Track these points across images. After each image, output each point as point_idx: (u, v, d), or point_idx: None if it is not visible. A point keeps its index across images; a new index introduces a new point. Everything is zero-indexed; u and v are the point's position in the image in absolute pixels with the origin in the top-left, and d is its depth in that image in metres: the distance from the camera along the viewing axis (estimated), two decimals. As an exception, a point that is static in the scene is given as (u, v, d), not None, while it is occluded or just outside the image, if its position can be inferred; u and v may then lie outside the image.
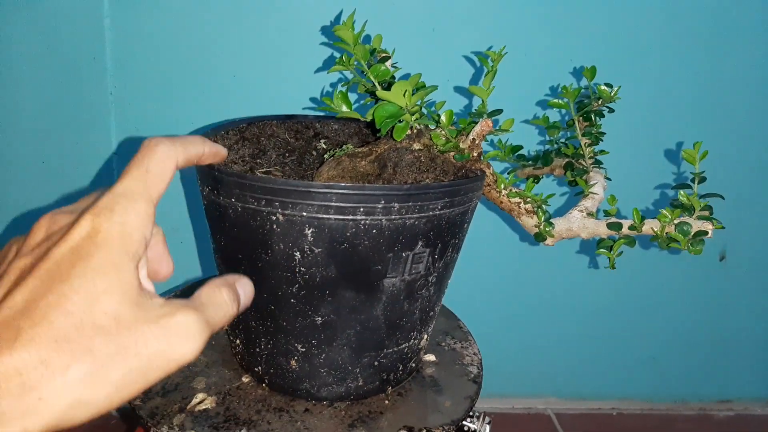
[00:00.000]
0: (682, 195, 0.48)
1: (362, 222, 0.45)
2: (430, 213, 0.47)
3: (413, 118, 0.51)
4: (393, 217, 0.46)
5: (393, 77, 0.59)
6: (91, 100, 0.83)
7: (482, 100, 0.56)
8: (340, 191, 0.44)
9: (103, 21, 0.78)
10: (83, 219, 0.31)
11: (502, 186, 0.56)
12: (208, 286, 0.35)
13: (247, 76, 0.85)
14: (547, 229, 0.56)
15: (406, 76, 0.64)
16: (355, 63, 0.56)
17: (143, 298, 0.30)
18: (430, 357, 0.62)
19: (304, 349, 0.51)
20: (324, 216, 0.45)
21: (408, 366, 0.56)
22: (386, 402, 0.54)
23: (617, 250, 0.50)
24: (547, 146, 0.69)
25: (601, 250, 0.52)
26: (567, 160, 0.63)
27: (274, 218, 0.46)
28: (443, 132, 0.54)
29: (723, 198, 0.51)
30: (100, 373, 0.28)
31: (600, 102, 0.62)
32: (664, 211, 0.48)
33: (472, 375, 0.60)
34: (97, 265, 0.29)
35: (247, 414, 0.51)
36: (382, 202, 0.45)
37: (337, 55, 0.86)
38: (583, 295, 1.03)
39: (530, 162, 0.69)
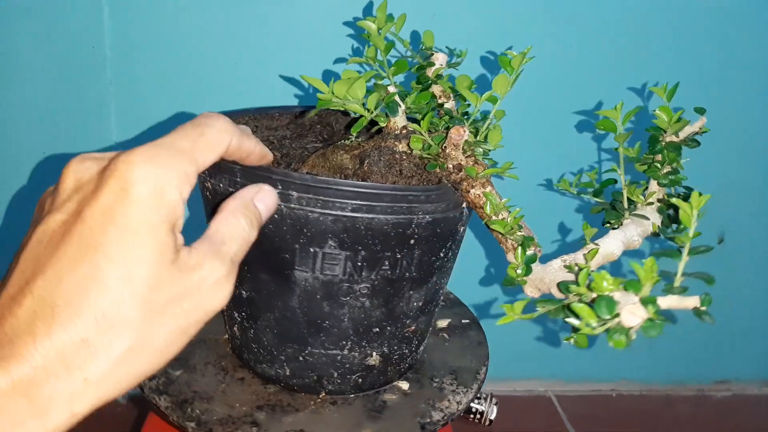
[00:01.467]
0: (647, 262, 0.33)
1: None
2: (338, 212, 0.44)
3: (370, 114, 0.47)
4: (293, 206, 0.44)
5: (436, 76, 0.55)
6: (91, 89, 0.81)
7: (475, 106, 0.47)
8: (244, 170, 0.45)
9: (102, 9, 0.77)
10: (116, 168, 0.29)
11: (489, 210, 0.47)
12: (224, 213, 0.34)
13: (250, 64, 0.82)
14: (522, 272, 0.44)
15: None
16: (378, 56, 0.54)
17: (176, 256, 0.29)
18: (403, 385, 0.56)
19: (239, 319, 0.53)
20: (234, 190, 0.46)
21: (350, 378, 0.52)
22: (312, 404, 0.52)
23: (519, 310, 0.37)
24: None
25: (543, 304, 0.39)
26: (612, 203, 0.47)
27: (207, 191, 0.49)
28: (422, 135, 0.48)
29: (712, 281, 0.32)
30: (143, 343, 0.27)
31: (683, 134, 0.45)
32: (599, 276, 0.33)
33: (427, 420, 0.51)
34: (131, 226, 0.28)
35: (193, 365, 0.56)
36: (279, 186, 0.44)
37: (346, 47, 0.81)
38: None
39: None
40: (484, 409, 0.65)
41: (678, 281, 0.33)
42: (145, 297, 0.28)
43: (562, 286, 0.38)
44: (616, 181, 0.53)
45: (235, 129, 0.36)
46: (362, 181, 0.48)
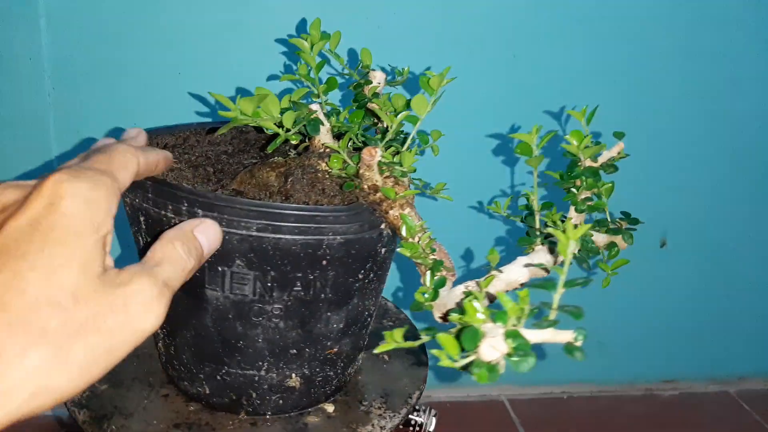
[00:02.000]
0: (503, 298, 0.32)
1: (172, 220, 0.45)
2: (244, 232, 0.43)
3: (284, 132, 0.46)
4: (199, 223, 0.44)
5: (372, 94, 0.54)
6: (29, 101, 0.80)
7: (389, 127, 0.46)
8: (155, 185, 0.45)
9: (39, 21, 0.76)
10: (45, 185, 0.29)
11: (404, 233, 0.46)
12: (161, 240, 0.33)
13: (189, 78, 0.81)
14: (430, 297, 0.43)
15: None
16: (310, 74, 0.54)
17: (103, 271, 0.29)
18: (329, 407, 0.54)
19: (162, 335, 0.53)
20: (147, 206, 0.46)
21: (269, 399, 0.51)
22: (230, 424, 0.51)
23: (399, 337, 0.36)
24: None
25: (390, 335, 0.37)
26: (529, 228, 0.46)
27: (126, 207, 0.49)
28: (340, 154, 0.47)
29: (580, 316, 0.31)
30: (60, 355, 0.26)
31: (601, 159, 0.43)
32: (467, 303, 0.32)
33: (346, 446, 0.50)
34: (58, 236, 0.27)
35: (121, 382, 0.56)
36: (185, 204, 0.43)
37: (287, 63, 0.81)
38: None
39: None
40: (422, 421, 0.64)
41: (553, 314, 0.32)
42: (66, 307, 0.27)
43: (452, 314, 0.37)
44: (553, 204, 0.52)
45: (136, 149, 0.37)
46: (285, 199, 0.48)
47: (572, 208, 0.44)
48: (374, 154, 0.44)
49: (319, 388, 0.53)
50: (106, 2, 0.79)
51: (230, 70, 0.83)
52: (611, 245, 0.49)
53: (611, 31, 0.92)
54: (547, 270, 0.42)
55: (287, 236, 0.44)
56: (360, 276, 0.49)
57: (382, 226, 0.47)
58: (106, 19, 0.80)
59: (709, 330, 1.16)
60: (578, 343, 0.31)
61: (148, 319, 0.30)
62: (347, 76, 0.57)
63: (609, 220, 0.50)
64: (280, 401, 0.52)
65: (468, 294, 0.40)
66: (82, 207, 0.29)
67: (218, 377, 0.50)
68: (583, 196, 0.44)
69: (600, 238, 0.49)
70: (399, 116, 0.46)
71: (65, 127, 0.83)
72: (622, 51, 0.94)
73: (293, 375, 0.51)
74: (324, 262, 0.46)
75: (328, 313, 0.49)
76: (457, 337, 0.31)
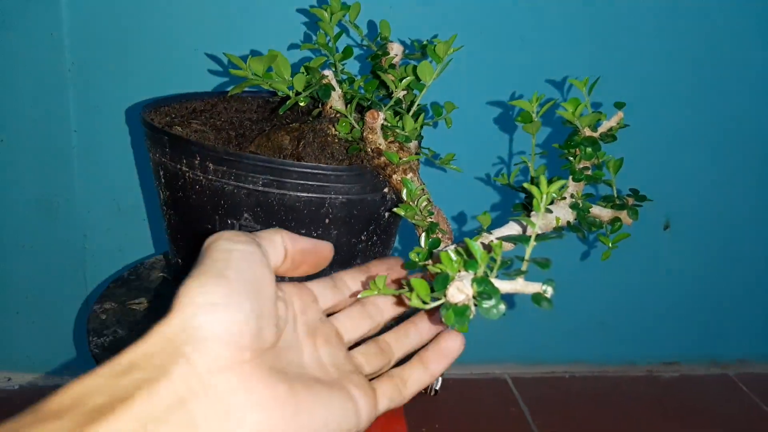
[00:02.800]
0: (472, 245, 0.33)
1: (186, 174, 0.48)
2: (251, 186, 0.46)
3: (296, 97, 0.49)
4: (210, 177, 0.46)
5: (389, 65, 0.56)
6: (49, 76, 0.81)
7: (393, 92, 0.48)
8: (171, 140, 0.48)
9: None
10: None
11: (405, 195, 0.47)
12: None
13: (210, 50, 0.82)
14: (421, 257, 0.44)
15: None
16: (328, 43, 0.56)
17: None
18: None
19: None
20: (165, 160, 0.49)
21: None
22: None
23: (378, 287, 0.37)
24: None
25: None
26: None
27: (150, 161, 0.52)
28: (347, 119, 0.49)
29: (547, 265, 0.31)
30: None
31: (601, 129, 0.44)
32: (444, 255, 0.33)
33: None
34: None
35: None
36: (198, 158, 0.46)
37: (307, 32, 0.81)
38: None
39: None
40: None
41: (525, 265, 0.32)
42: None
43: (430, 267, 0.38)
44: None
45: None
46: (297, 160, 0.50)
47: (570, 177, 0.45)
48: (376, 117, 0.46)
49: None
50: None
51: (251, 44, 0.84)
52: (615, 220, 0.49)
53: (622, 8, 0.91)
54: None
55: (291, 192, 0.46)
56: (363, 237, 0.50)
57: (385, 189, 0.49)
58: None
59: (710, 313, 1.16)
60: (547, 294, 0.32)
61: None
62: (365, 47, 0.59)
63: (616, 195, 0.50)
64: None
65: (457, 252, 0.41)
66: None
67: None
68: (581, 166, 0.44)
69: (604, 213, 0.49)
70: (403, 81, 0.47)
71: (84, 102, 0.84)
72: (630, 30, 0.93)
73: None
74: (327, 221, 0.48)
75: (332, 272, 0.51)
76: (431, 283, 0.33)
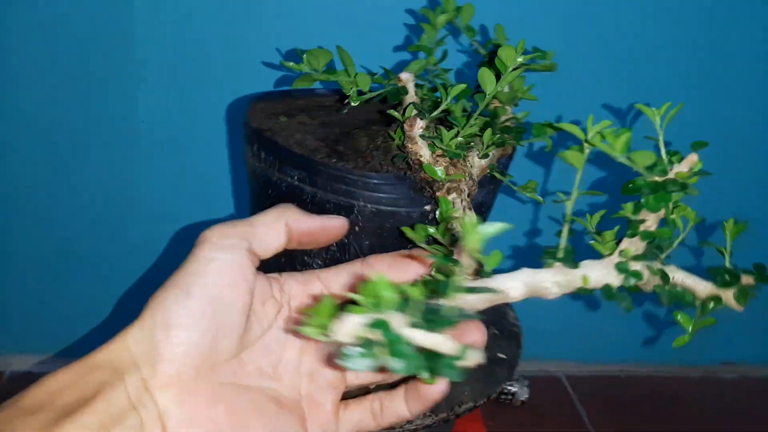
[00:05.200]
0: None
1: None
2: (287, 179, 0.46)
3: (353, 98, 0.46)
4: (261, 164, 0.47)
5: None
6: (119, 68, 0.80)
7: (442, 100, 0.42)
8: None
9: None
10: None
11: (438, 216, 0.42)
12: None
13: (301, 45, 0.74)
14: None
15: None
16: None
17: None
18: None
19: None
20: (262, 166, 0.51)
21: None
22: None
23: None
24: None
25: None
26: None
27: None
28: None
29: None
30: None
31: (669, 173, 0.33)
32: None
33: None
34: None
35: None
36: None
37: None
38: None
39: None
40: (515, 390, 0.59)
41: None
42: None
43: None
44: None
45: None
46: (364, 162, 0.48)
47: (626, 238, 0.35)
48: (413, 125, 0.41)
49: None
50: None
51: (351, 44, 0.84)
52: (713, 299, 0.37)
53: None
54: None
55: (321, 192, 0.44)
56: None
57: (427, 206, 0.44)
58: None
59: None
60: (460, 363, 0.25)
61: None
62: (476, 53, 0.54)
63: (727, 268, 0.38)
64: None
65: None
66: None
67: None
68: (640, 217, 0.34)
69: (701, 287, 0.38)
70: (453, 90, 0.42)
71: (155, 93, 0.83)
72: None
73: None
74: (357, 229, 0.45)
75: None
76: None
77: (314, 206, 0.45)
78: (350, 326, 0.26)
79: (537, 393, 1.04)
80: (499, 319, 0.63)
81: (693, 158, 0.31)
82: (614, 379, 1.13)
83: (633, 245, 0.34)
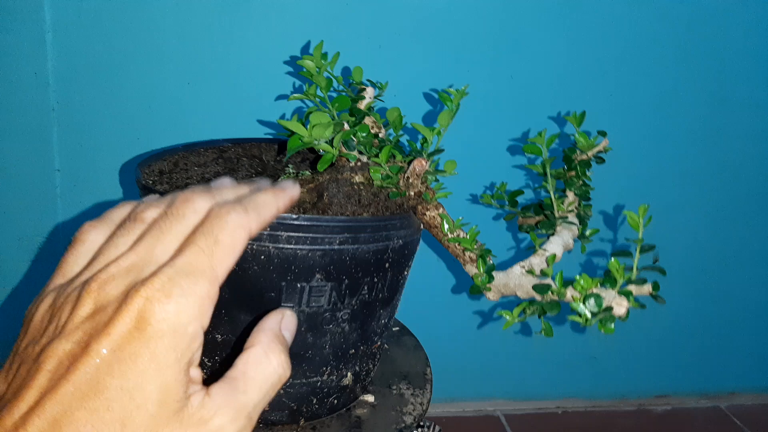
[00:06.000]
0: (613, 263, 0.41)
1: (249, 247, 0.46)
2: (327, 247, 0.46)
3: (336, 150, 0.50)
4: (281, 245, 0.46)
5: (368, 109, 0.59)
6: (33, 116, 0.82)
7: (426, 138, 0.53)
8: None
9: (45, 36, 0.78)
10: (132, 300, 0.27)
11: (446, 229, 0.53)
12: (255, 353, 0.31)
13: (200, 89, 0.84)
14: (485, 281, 0.51)
15: (382, 111, 0.63)
16: (318, 93, 0.57)
17: (182, 404, 0.27)
18: (369, 398, 0.59)
19: (210, 364, 0.52)
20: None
21: (326, 401, 0.55)
22: (294, 433, 0.53)
23: (516, 313, 0.44)
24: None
25: (505, 312, 0.46)
26: (543, 213, 0.57)
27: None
28: (381, 168, 0.52)
29: (664, 273, 0.43)
30: None
31: (590, 152, 0.55)
32: (579, 278, 0.41)
33: (402, 425, 0.56)
34: (138, 371, 0.27)
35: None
36: (268, 229, 0.45)
37: (298, 82, 0.86)
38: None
39: (526, 209, 0.64)
40: None
41: (634, 274, 0.42)
42: None
43: (538, 289, 0.45)
44: (523, 192, 0.63)
45: (249, 213, 0.32)
46: (322, 213, 0.51)
47: (570, 193, 0.56)
48: (425, 165, 0.50)
49: (362, 382, 0.58)
50: (111, 19, 0.80)
51: (234, 83, 0.84)
52: (606, 310, 0.57)
53: (607, 45, 0.95)
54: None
55: (363, 245, 0.48)
56: (405, 273, 0.54)
57: (422, 227, 0.54)
58: (111, 34, 0.81)
59: (700, 345, 1.18)
60: (655, 292, 0.42)
61: None
62: (343, 92, 0.62)
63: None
64: (335, 401, 0.56)
65: (530, 272, 0.49)
66: (168, 335, 0.27)
67: (281, 391, 0.52)
68: (579, 183, 0.55)
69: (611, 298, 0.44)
70: (435, 129, 0.52)
71: (68, 142, 0.84)
72: (614, 66, 0.96)
73: (348, 374, 0.55)
74: (387, 265, 0.51)
75: (381, 311, 0.54)
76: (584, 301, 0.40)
77: (355, 260, 0.48)
78: (619, 304, 0.40)
79: (475, 432, 1.04)
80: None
81: (606, 142, 0.54)
82: (551, 415, 1.13)
83: (574, 198, 0.56)
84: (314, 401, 0.54)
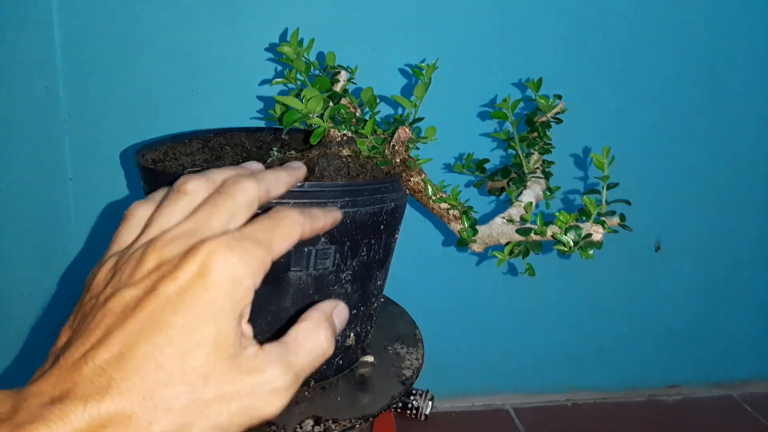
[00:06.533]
0: (585, 200, 0.48)
1: (257, 213, 0.49)
2: (330, 211, 0.50)
3: (327, 123, 0.54)
4: (289, 212, 0.49)
5: (343, 91, 0.63)
6: (45, 128, 0.86)
7: (407, 109, 0.58)
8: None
9: (55, 51, 0.83)
10: (198, 252, 0.30)
11: (431, 192, 0.58)
12: (306, 323, 0.34)
13: (202, 94, 0.88)
14: (470, 234, 0.56)
15: (357, 91, 0.67)
16: (298, 76, 0.61)
17: (237, 351, 0.30)
18: (369, 358, 0.64)
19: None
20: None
21: (333, 362, 0.59)
22: (306, 394, 0.57)
23: (507, 252, 0.50)
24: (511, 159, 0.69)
25: (497, 252, 0.52)
26: (512, 172, 0.63)
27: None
28: (367, 139, 0.57)
29: (629, 203, 0.49)
30: (178, 431, 0.28)
31: (549, 114, 0.62)
32: (559, 215, 0.47)
33: (404, 377, 0.61)
34: (199, 313, 0.29)
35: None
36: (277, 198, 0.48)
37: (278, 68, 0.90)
38: (534, 292, 1.08)
39: (494, 174, 0.70)
40: (419, 404, 0.72)
41: (604, 207, 0.49)
42: (195, 388, 0.28)
43: (521, 232, 0.51)
44: (489, 160, 0.69)
45: (305, 217, 0.36)
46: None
47: (535, 152, 0.62)
48: (408, 132, 0.55)
49: (362, 343, 0.62)
50: (119, 33, 0.84)
51: (230, 83, 0.88)
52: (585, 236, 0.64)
53: (605, 37, 0.95)
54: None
55: (362, 208, 0.52)
56: (396, 235, 0.59)
57: (407, 192, 0.59)
58: (120, 49, 0.85)
59: (710, 334, 1.18)
60: (623, 222, 0.48)
61: (272, 408, 0.30)
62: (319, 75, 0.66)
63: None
64: (341, 361, 0.59)
65: (510, 220, 0.55)
66: (227, 284, 0.30)
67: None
68: (541, 144, 0.62)
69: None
70: (413, 100, 0.57)
71: (80, 151, 0.88)
72: (615, 55, 0.96)
73: (351, 334, 0.59)
74: (381, 227, 0.55)
75: (377, 272, 0.58)
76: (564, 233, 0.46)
77: (354, 222, 0.52)
78: (596, 231, 0.46)
79: (484, 427, 1.05)
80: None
81: (561, 104, 0.61)
82: (561, 408, 1.13)
83: (537, 156, 0.62)
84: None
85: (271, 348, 0.31)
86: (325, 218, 0.39)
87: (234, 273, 0.30)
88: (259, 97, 0.90)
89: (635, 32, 0.96)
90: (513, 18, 0.92)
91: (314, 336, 0.33)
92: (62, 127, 0.86)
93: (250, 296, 0.31)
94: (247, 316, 0.31)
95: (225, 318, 0.29)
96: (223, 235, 0.31)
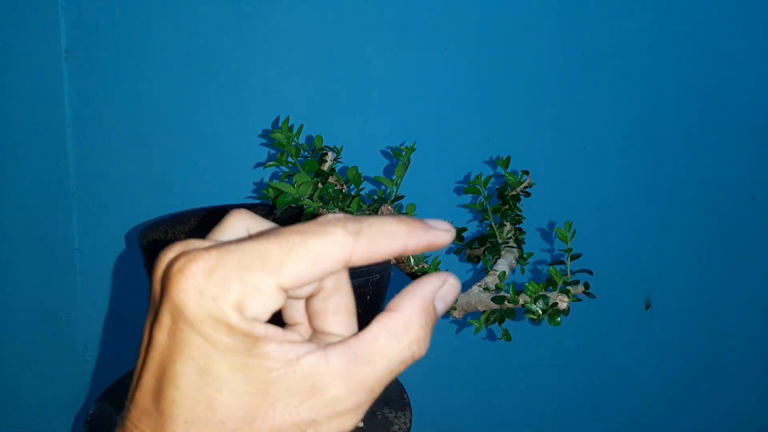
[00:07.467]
0: (551, 270, 0.53)
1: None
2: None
3: (317, 203, 0.60)
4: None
5: (330, 170, 0.69)
6: (54, 199, 0.90)
7: (389, 188, 0.64)
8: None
9: (65, 130, 0.88)
10: (168, 286, 0.23)
11: (413, 262, 0.63)
12: (395, 318, 0.26)
13: (204, 166, 0.92)
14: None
15: (343, 170, 0.73)
16: (289, 159, 0.67)
17: (286, 366, 0.24)
18: (359, 424, 0.67)
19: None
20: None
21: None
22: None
23: (483, 320, 0.55)
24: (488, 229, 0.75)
25: (474, 320, 0.56)
26: (488, 241, 0.68)
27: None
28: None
29: (591, 273, 0.54)
30: None
31: (519, 188, 0.68)
32: (528, 285, 0.52)
33: (392, 441, 0.64)
34: (196, 358, 0.24)
35: None
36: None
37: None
38: (526, 350, 1.08)
39: (471, 242, 0.75)
40: None
41: (569, 277, 0.54)
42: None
43: (496, 300, 0.56)
44: (467, 228, 0.74)
45: (356, 237, 0.24)
46: None
47: (507, 223, 0.67)
48: (390, 209, 0.60)
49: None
50: (127, 112, 0.89)
51: (229, 159, 0.93)
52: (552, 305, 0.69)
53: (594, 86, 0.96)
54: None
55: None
56: (380, 305, 0.63)
57: (392, 262, 0.64)
58: (128, 127, 0.89)
59: (705, 393, 1.17)
60: (587, 290, 0.53)
61: None
62: (309, 157, 0.71)
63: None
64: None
65: (486, 289, 0.59)
66: (206, 324, 0.24)
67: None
68: (513, 215, 0.67)
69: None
70: (395, 180, 0.63)
71: (87, 222, 0.91)
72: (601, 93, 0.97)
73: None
74: (368, 297, 0.60)
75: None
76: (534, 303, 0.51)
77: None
78: (562, 300, 0.51)
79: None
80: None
81: (529, 179, 0.67)
82: None
83: (510, 227, 0.68)
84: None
85: (337, 356, 0.24)
86: (408, 237, 0.27)
87: (210, 312, 0.24)
88: (253, 181, 0.95)
89: (609, 105, 0.99)
90: (489, 97, 0.98)
91: (402, 336, 0.25)
92: (71, 199, 0.90)
93: (251, 328, 0.24)
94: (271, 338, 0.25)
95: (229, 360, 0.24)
96: (207, 252, 0.25)
